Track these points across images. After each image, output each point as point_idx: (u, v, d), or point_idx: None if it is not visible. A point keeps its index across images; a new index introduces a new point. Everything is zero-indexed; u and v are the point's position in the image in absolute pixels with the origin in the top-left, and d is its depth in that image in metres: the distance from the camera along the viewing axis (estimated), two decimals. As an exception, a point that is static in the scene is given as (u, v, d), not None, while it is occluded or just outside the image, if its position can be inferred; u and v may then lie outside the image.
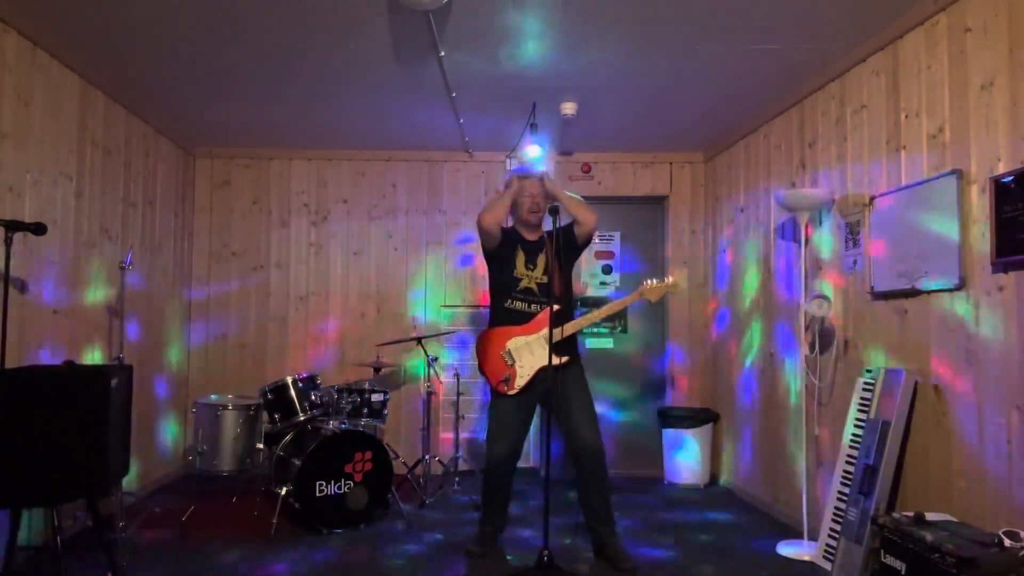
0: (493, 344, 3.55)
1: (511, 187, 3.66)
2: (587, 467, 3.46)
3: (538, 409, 3.87)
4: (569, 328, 3.48)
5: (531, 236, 3.68)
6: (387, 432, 5.19)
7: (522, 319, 3.54)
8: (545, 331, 3.41)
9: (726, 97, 4.33)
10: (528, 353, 3.48)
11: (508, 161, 5.59)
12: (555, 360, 3.38)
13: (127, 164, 4.44)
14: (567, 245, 3.64)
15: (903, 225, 3.18)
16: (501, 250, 3.65)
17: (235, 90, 4.27)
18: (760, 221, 4.65)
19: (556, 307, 3.47)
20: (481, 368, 3.61)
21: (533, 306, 3.56)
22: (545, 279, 3.59)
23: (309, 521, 3.90)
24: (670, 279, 3.59)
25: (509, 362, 3.50)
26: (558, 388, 3.45)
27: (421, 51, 3.66)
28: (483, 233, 3.57)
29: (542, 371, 3.42)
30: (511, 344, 3.51)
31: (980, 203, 2.75)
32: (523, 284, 3.60)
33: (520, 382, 3.47)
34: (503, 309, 3.60)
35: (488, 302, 3.78)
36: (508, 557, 3.59)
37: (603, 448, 3.47)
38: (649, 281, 3.56)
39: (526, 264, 3.62)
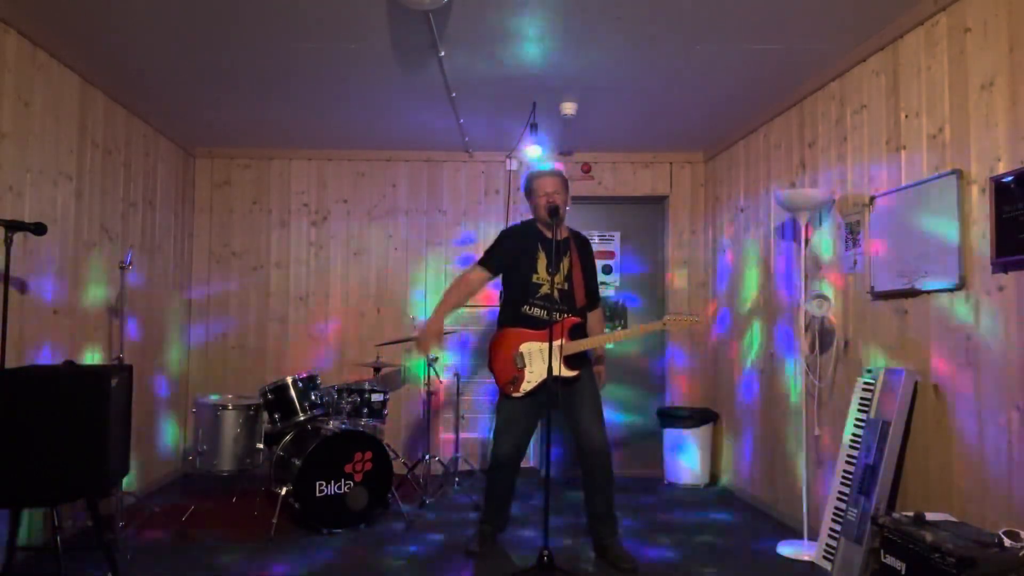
0: (506, 345, 3.53)
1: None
2: (593, 467, 3.46)
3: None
4: (582, 345, 3.45)
5: (558, 234, 3.51)
6: (387, 432, 5.19)
7: (539, 325, 3.44)
8: (559, 342, 3.35)
9: (726, 97, 4.33)
10: (540, 360, 3.43)
11: (508, 161, 5.59)
12: (566, 374, 3.39)
13: (127, 164, 4.44)
14: (589, 260, 3.65)
15: (903, 225, 3.18)
16: (515, 254, 3.58)
17: (235, 90, 4.28)
18: (760, 221, 4.65)
19: (576, 319, 3.47)
20: (491, 366, 3.61)
21: (552, 314, 3.43)
22: (566, 285, 3.52)
23: (309, 521, 3.90)
24: (697, 316, 3.53)
25: (519, 365, 3.48)
26: (569, 391, 3.44)
27: (421, 51, 3.66)
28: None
29: (557, 380, 3.33)
30: (524, 348, 3.49)
31: (980, 203, 2.75)
32: (543, 290, 3.51)
33: (526, 387, 3.46)
34: (520, 313, 3.54)
35: (497, 301, 3.73)
36: (509, 557, 3.59)
37: (610, 450, 3.48)
38: (674, 313, 3.53)
39: (547, 267, 3.52)
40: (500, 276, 3.67)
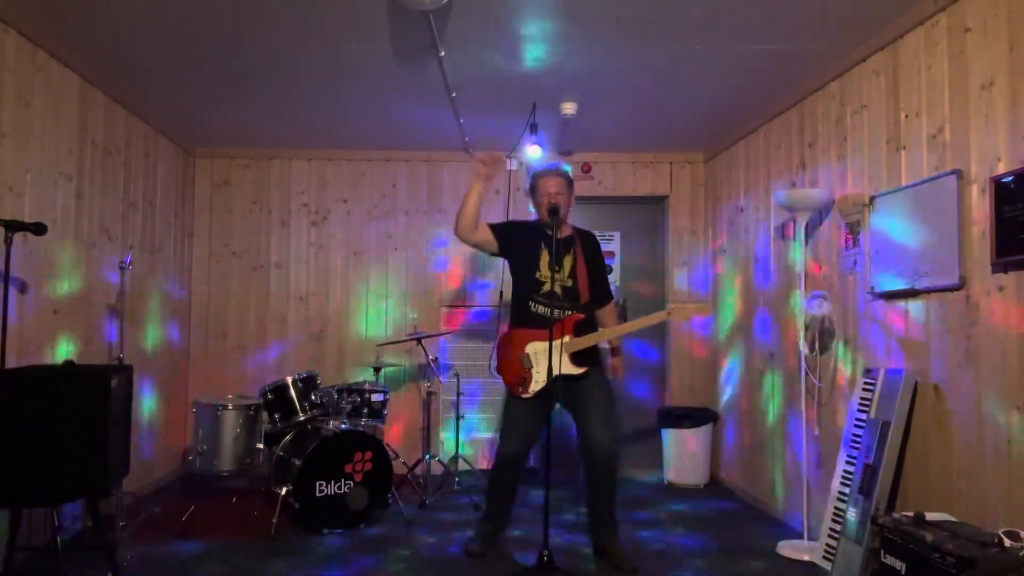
0: (513, 346, 3.53)
1: (476, 181, 3.52)
2: (598, 468, 3.46)
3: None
4: (587, 341, 3.44)
5: (557, 233, 3.52)
6: (387, 432, 5.19)
7: (544, 324, 3.42)
8: (565, 339, 3.38)
9: (726, 97, 4.33)
10: (546, 359, 3.41)
11: (508, 161, 5.59)
12: (573, 371, 3.39)
13: (127, 164, 4.44)
14: (595, 256, 3.65)
15: (903, 225, 3.18)
16: (520, 245, 3.59)
17: (235, 90, 4.27)
18: (760, 221, 4.65)
19: (580, 316, 3.46)
20: (498, 369, 3.60)
21: (556, 311, 3.44)
22: (570, 282, 3.52)
23: (309, 521, 3.90)
24: (703, 304, 3.50)
25: (527, 366, 3.48)
26: (577, 389, 3.44)
27: (421, 51, 3.66)
28: (472, 245, 3.62)
29: (558, 378, 3.35)
30: (530, 348, 3.48)
31: (980, 203, 2.75)
32: (547, 287, 3.51)
33: (534, 387, 3.46)
34: (525, 311, 3.54)
35: (497, 302, 3.71)
36: (509, 557, 3.58)
37: (616, 452, 3.47)
38: (680, 303, 3.51)
39: (551, 264, 3.52)
40: (504, 258, 3.69)
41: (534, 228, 3.65)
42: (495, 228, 3.65)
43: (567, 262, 3.54)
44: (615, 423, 3.52)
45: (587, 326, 3.53)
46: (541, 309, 3.51)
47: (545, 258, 3.55)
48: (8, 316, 2.89)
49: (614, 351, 3.72)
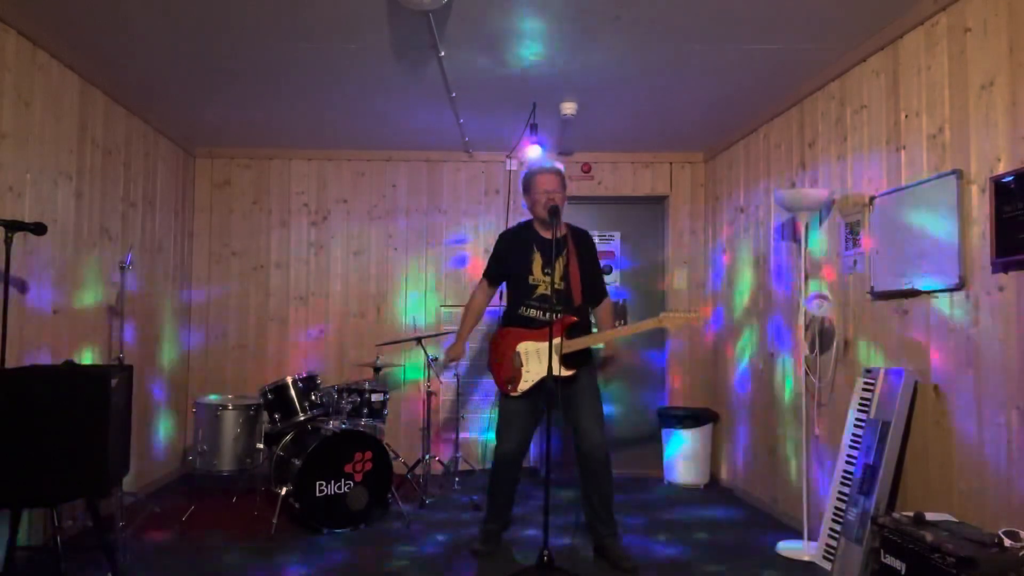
0: (505, 344, 3.54)
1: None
2: (592, 467, 3.46)
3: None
4: (577, 344, 3.43)
5: (549, 234, 3.49)
6: (387, 432, 5.19)
7: (537, 325, 3.45)
8: (556, 341, 3.36)
9: (726, 97, 4.32)
10: (536, 360, 3.43)
11: (508, 161, 5.59)
12: (563, 373, 3.38)
13: (127, 164, 4.44)
14: (589, 255, 3.64)
15: (903, 225, 3.18)
16: (513, 259, 3.59)
17: (235, 90, 4.28)
18: (760, 221, 4.65)
19: (573, 318, 3.44)
20: (490, 366, 3.61)
21: (548, 314, 3.42)
22: (562, 285, 3.50)
23: (309, 521, 3.90)
24: (694, 313, 3.50)
25: (518, 364, 3.48)
26: (568, 391, 3.43)
27: (421, 51, 3.66)
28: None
29: (558, 380, 3.32)
30: (522, 347, 3.48)
31: (980, 203, 2.75)
32: (540, 291, 3.50)
33: (523, 386, 3.46)
34: (517, 314, 3.54)
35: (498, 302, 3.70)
36: (511, 556, 3.58)
37: (608, 449, 3.48)
38: (671, 310, 3.50)
39: (543, 268, 3.51)
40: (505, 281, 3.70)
41: (524, 232, 3.64)
42: (487, 275, 3.75)
43: (559, 263, 3.51)
44: (603, 421, 3.53)
45: (579, 328, 3.51)
46: (533, 312, 3.50)
47: (538, 261, 3.53)
48: (8, 316, 2.89)
49: (607, 357, 3.72)
